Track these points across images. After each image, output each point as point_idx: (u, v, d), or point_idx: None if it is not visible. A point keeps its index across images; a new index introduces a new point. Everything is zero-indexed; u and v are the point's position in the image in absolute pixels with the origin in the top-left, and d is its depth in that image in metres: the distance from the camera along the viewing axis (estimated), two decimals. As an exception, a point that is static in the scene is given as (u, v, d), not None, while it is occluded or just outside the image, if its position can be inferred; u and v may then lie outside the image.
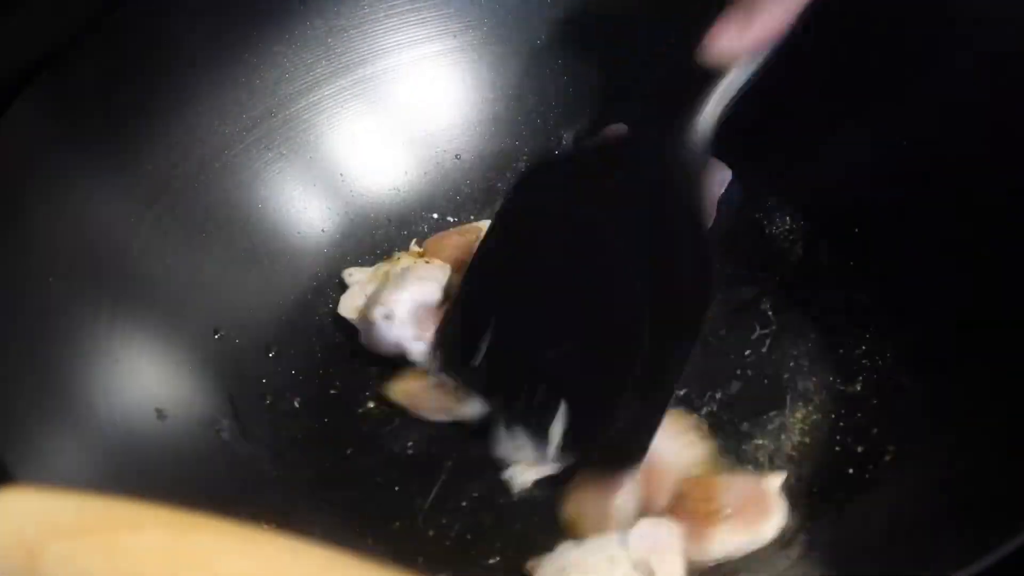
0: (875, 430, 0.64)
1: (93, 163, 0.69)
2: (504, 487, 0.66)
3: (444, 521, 0.65)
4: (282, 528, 0.40)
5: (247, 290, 0.73)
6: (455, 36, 0.81)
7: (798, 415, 0.67)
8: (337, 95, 0.79)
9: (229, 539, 0.36)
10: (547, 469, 0.65)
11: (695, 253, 0.62)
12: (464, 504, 0.65)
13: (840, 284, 0.71)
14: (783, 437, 0.66)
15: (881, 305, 0.69)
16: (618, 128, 0.80)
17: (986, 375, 0.61)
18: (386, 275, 0.74)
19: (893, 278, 0.69)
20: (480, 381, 0.67)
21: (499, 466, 0.66)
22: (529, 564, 0.61)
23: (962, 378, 0.62)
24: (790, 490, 0.63)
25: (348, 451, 0.69)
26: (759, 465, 0.65)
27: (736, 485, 0.62)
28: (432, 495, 0.66)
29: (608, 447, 0.63)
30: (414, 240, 0.78)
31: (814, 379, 0.68)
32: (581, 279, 0.66)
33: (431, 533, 0.64)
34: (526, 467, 0.65)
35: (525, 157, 0.82)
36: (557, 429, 0.64)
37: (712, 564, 0.60)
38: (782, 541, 0.61)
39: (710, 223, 0.76)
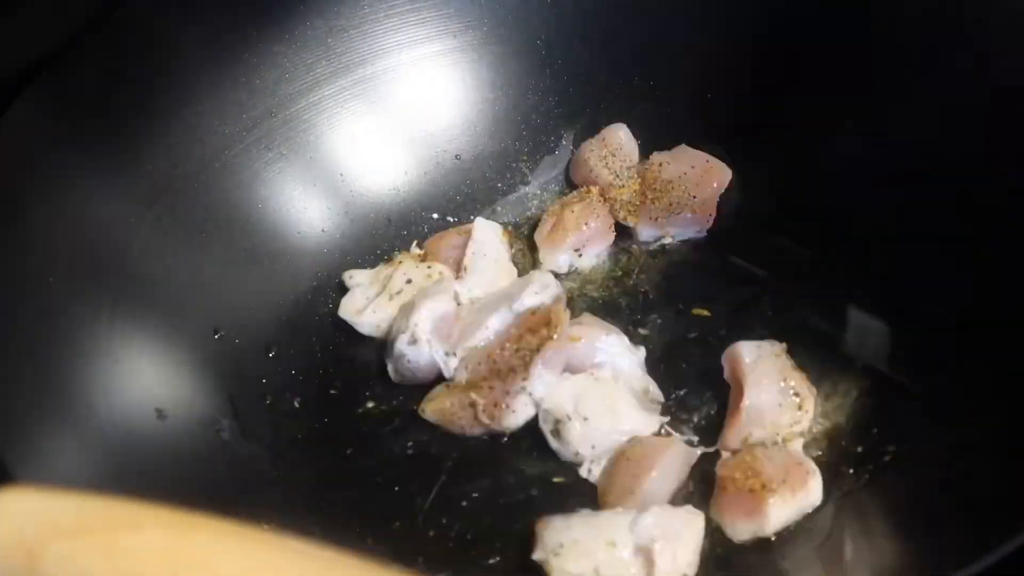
0: (875, 430, 0.64)
1: (93, 163, 0.69)
2: (504, 487, 0.66)
3: (444, 521, 0.65)
4: (282, 528, 0.40)
5: (247, 290, 0.73)
6: (455, 36, 0.81)
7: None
8: (337, 95, 0.79)
9: (229, 539, 0.36)
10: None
11: None
12: (464, 504, 0.65)
13: (840, 284, 0.71)
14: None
15: (881, 305, 0.69)
16: (618, 128, 0.81)
17: (986, 375, 0.61)
18: (387, 278, 0.74)
19: (893, 278, 0.69)
20: None
21: (499, 466, 0.67)
22: (540, 523, 0.61)
23: (962, 378, 0.62)
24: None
25: (348, 451, 0.69)
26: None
27: (774, 457, 0.63)
28: (432, 495, 0.66)
29: None
30: (415, 241, 0.78)
31: (814, 379, 0.67)
32: None
33: (431, 533, 0.64)
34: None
35: (525, 157, 0.82)
36: None
37: (772, 536, 0.61)
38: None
39: (710, 223, 0.77)
